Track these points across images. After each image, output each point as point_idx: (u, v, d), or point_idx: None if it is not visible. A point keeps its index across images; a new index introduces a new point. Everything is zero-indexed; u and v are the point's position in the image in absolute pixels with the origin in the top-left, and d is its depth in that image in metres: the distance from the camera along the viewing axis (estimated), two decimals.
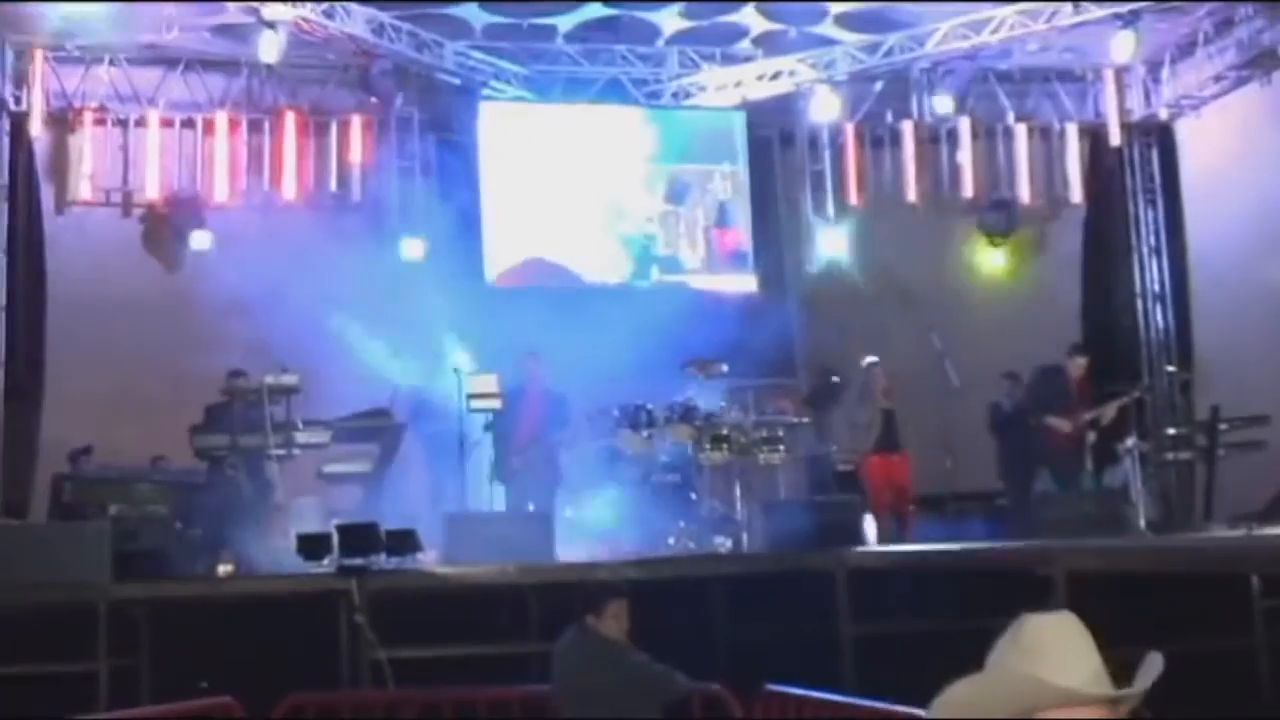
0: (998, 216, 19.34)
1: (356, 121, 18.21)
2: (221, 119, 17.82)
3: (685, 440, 14.75)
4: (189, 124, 17.87)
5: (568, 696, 8.18)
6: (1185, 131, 19.81)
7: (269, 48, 16.47)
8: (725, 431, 14.88)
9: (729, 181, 19.32)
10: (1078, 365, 15.61)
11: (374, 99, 17.85)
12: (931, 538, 14.65)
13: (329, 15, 16.93)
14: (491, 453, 14.90)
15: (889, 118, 19.67)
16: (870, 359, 15.62)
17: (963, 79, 18.98)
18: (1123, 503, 14.66)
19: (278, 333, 15.59)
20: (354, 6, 17.11)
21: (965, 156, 19.49)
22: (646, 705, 7.99)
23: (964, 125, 19.43)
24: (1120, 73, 19.75)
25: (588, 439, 15.11)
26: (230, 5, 16.37)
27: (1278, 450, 15.63)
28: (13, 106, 17.21)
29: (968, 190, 19.51)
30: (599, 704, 7.91)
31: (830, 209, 19.46)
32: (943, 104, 19.04)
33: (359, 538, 11.17)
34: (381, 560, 11.19)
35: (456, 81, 18.54)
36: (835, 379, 16.32)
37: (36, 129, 17.15)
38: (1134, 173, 20.41)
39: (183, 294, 16.80)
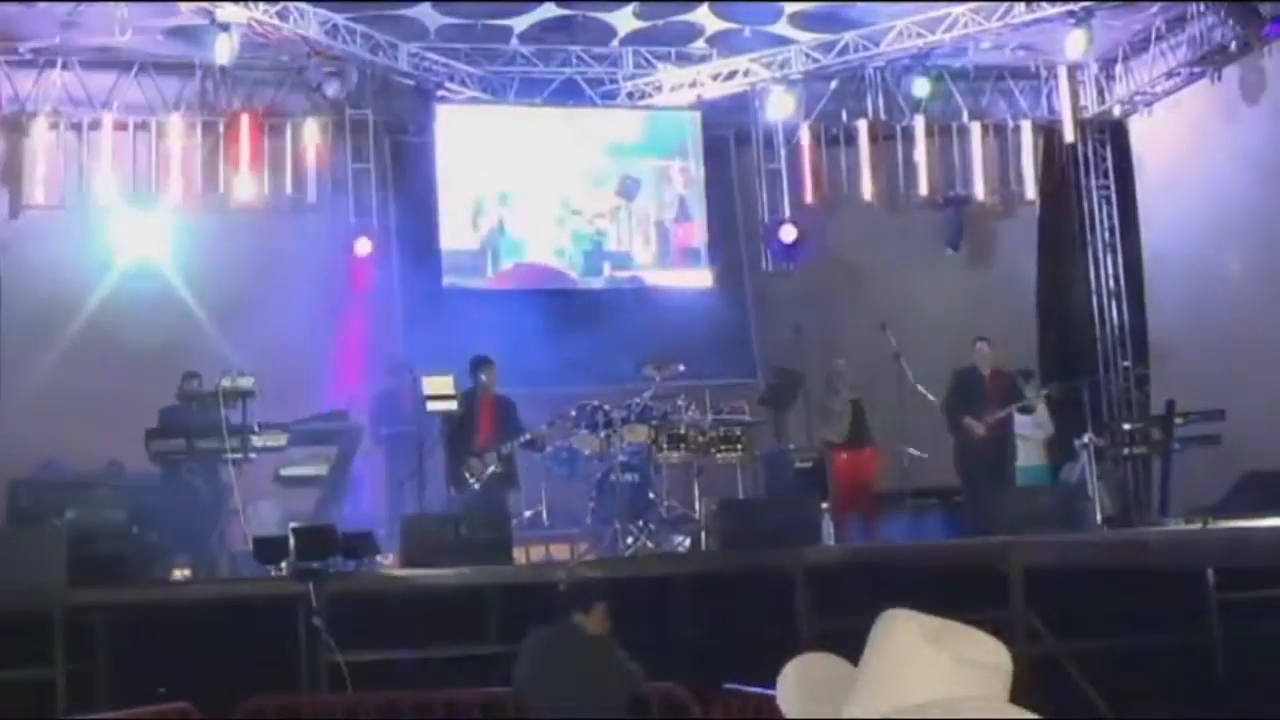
0: (948, 228, 19.56)
1: (311, 123, 18.14)
2: (176, 122, 17.67)
3: (643, 440, 14.75)
4: (143, 127, 17.73)
5: (544, 690, 8.19)
6: (1139, 128, 19.90)
7: (222, 50, 16.31)
8: (683, 431, 14.90)
9: (684, 176, 19.35)
10: (981, 355, 15.69)
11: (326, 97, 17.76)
12: (891, 534, 14.73)
13: (283, 17, 16.82)
14: (445, 460, 14.83)
15: (844, 116, 19.72)
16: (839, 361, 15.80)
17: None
18: (1079, 497, 14.73)
19: (234, 335, 15.58)
20: (307, 8, 17.00)
21: (920, 154, 19.57)
22: (619, 701, 8.09)
23: (919, 123, 19.50)
24: (1074, 70, 19.82)
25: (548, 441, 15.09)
26: (183, 7, 16.23)
27: (1233, 444, 15.75)
28: None
29: (923, 188, 19.60)
30: (579, 697, 7.99)
31: (786, 207, 19.50)
32: (920, 87, 19.06)
33: (315, 541, 11.08)
34: (339, 563, 11.14)
35: (411, 83, 18.50)
36: (797, 373, 16.38)
37: None
38: (1088, 169, 20.49)
39: (138, 297, 16.73)
